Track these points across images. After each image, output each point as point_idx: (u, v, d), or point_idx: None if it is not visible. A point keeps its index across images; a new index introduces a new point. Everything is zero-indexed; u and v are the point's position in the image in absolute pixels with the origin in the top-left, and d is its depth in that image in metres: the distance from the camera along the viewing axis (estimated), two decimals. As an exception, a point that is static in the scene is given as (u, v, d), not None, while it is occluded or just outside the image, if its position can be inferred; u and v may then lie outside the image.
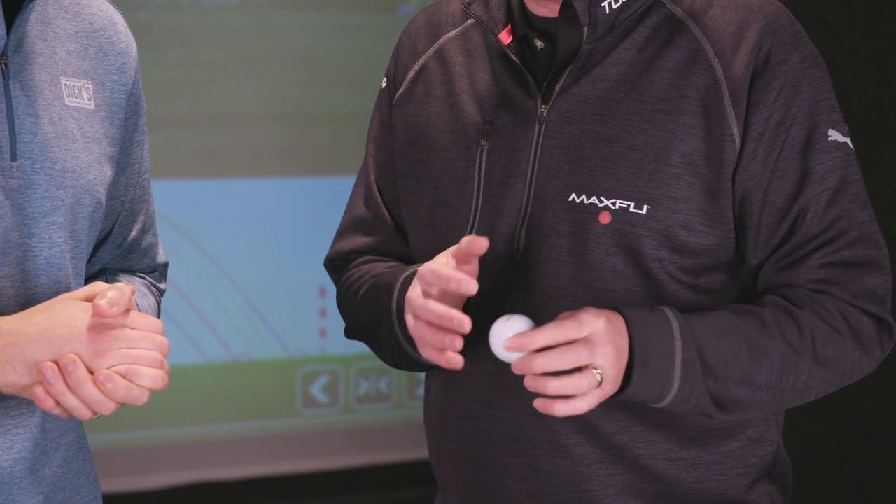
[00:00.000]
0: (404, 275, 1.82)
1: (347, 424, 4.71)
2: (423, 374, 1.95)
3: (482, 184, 1.83)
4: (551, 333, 1.64)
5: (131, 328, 1.63)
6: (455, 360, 1.69)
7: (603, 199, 1.77)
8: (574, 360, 1.64)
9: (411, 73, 1.94)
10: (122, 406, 1.63)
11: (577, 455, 1.80)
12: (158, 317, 1.88)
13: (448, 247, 1.83)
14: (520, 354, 1.64)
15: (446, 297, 1.72)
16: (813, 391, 1.78)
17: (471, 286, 1.67)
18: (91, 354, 1.60)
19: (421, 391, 4.73)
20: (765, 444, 1.87)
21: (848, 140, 1.81)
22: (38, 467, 1.73)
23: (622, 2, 1.80)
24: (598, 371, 1.65)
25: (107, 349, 1.61)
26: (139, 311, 1.77)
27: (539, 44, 1.83)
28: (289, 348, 4.60)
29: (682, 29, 1.80)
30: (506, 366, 1.80)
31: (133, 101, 1.85)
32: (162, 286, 1.96)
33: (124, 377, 1.60)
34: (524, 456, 1.82)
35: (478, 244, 1.68)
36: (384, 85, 1.99)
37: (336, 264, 2.00)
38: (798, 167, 1.78)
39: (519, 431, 1.81)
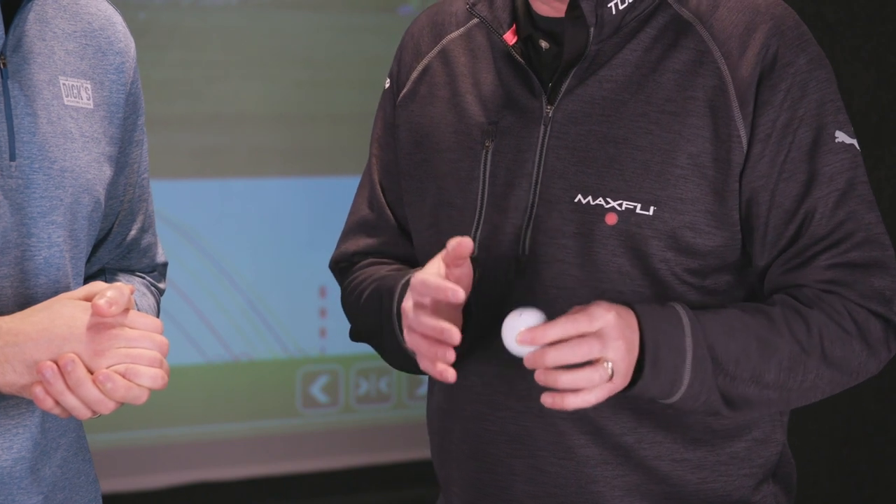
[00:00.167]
0: (403, 280, 1.82)
1: (347, 424, 4.71)
2: (424, 375, 1.95)
3: (487, 184, 1.83)
4: (563, 327, 1.63)
5: (130, 327, 1.63)
6: (447, 374, 1.69)
7: (609, 200, 1.77)
8: (586, 353, 1.63)
9: (415, 74, 1.94)
10: (122, 405, 1.63)
11: (583, 456, 1.80)
12: (158, 316, 1.88)
13: None
14: (532, 348, 1.64)
15: (441, 305, 1.71)
16: (819, 391, 1.78)
17: (457, 294, 1.66)
18: (90, 354, 1.60)
19: (421, 391, 4.73)
20: (770, 445, 1.87)
21: (854, 142, 1.81)
22: (37, 467, 1.73)
23: (629, 2, 1.80)
24: (610, 364, 1.65)
25: (106, 348, 1.60)
26: (138, 310, 1.77)
27: (544, 44, 1.83)
28: (289, 348, 4.60)
29: (689, 30, 1.80)
30: (511, 367, 1.80)
31: (132, 100, 1.85)
32: (161, 286, 1.96)
33: (124, 376, 1.60)
34: (529, 457, 1.82)
35: (463, 246, 1.67)
36: (387, 85, 1.98)
37: (341, 266, 2.00)
38: (805, 169, 1.78)
39: (524, 432, 1.81)
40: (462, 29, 1.92)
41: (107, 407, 1.61)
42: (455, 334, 1.66)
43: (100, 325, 1.61)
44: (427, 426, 1.97)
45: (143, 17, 4.34)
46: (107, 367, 1.60)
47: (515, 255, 1.80)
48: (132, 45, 1.87)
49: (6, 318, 1.63)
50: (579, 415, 1.79)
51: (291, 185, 4.59)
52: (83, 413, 1.61)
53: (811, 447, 3.86)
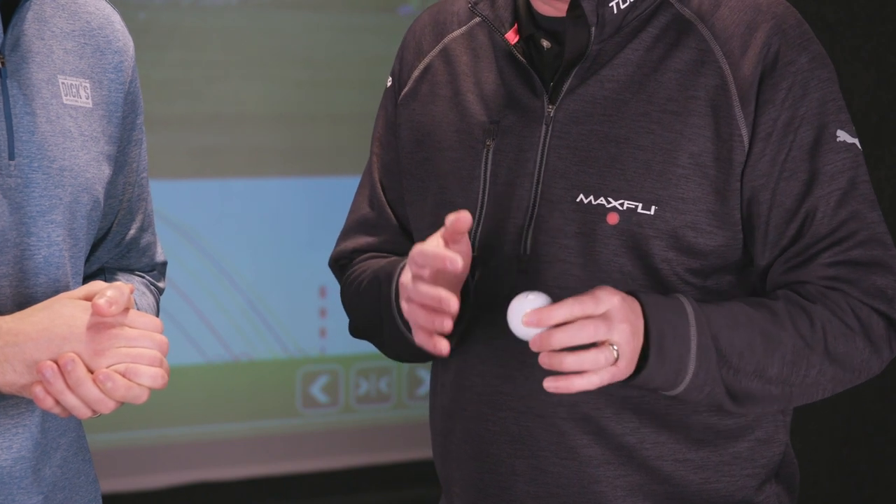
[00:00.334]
0: (402, 263, 1.82)
1: (347, 424, 4.70)
2: (425, 375, 1.95)
3: (488, 184, 1.83)
4: (569, 309, 1.63)
5: (130, 327, 1.62)
6: (441, 346, 1.69)
7: (611, 199, 1.77)
8: (591, 335, 1.63)
9: (416, 73, 1.94)
10: (122, 405, 1.63)
11: (586, 456, 1.80)
12: (157, 315, 1.88)
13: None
14: (537, 330, 1.64)
15: (441, 281, 1.71)
16: (821, 388, 1.78)
17: (455, 262, 1.65)
18: (90, 353, 1.60)
19: (421, 391, 4.73)
20: (773, 445, 1.86)
21: (856, 141, 1.81)
22: (37, 467, 1.73)
23: (630, 2, 1.80)
24: (615, 347, 1.65)
25: (106, 348, 1.60)
26: (138, 309, 1.77)
27: (546, 44, 1.83)
28: (289, 348, 4.60)
29: (690, 29, 1.80)
30: (512, 367, 1.80)
31: (130, 99, 1.85)
32: (161, 285, 1.96)
33: (124, 376, 1.60)
34: (532, 457, 1.81)
35: (462, 220, 1.67)
36: (389, 84, 1.99)
37: (340, 264, 2.00)
38: (807, 168, 1.78)
39: (526, 433, 1.81)
40: (464, 28, 1.93)
41: (107, 406, 1.60)
42: (453, 302, 1.66)
43: (100, 324, 1.61)
44: (430, 426, 1.96)
45: (143, 16, 4.34)
46: (107, 367, 1.60)
47: (517, 255, 1.80)
48: (131, 44, 1.86)
49: (6, 318, 1.63)
50: (581, 415, 1.79)
51: (291, 185, 4.59)
52: (83, 412, 1.61)
53: (811, 447, 3.86)
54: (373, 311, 1.87)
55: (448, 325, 1.68)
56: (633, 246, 1.76)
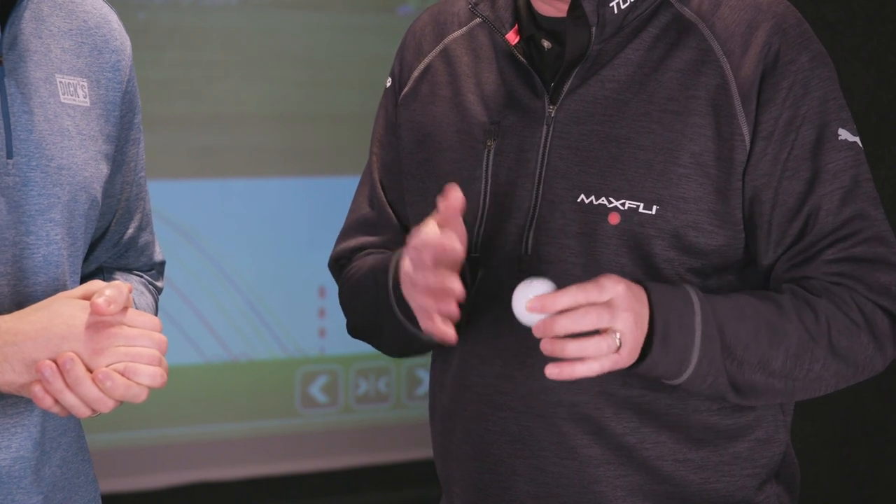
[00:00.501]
0: (397, 255, 1.82)
1: (346, 424, 4.71)
2: (424, 375, 1.95)
3: (489, 184, 1.83)
4: (573, 295, 1.63)
5: (129, 326, 1.62)
6: (448, 333, 1.69)
7: (612, 199, 1.77)
8: (595, 322, 1.63)
9: (416, 73, 1.94)
10: (121, 404, 1.63)
11: (586, 456, 1.80)
12: (156, 314, 1.88)
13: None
14: (541, 316, 1.63)
15: (439, 269, 1.71)
16: (824, 383, 1.78)
17: (456, 247, 1.66)
18: (89, 352, 1.60)
19: (420, 391, 4.73)
20: (773, 445, 1.86)
21: (857, 139, 1.81)
22: (37, 467, 1.73)
23: (630, 2, 1.80)
24: (618, 335, 1.65)
25: (105, 347, 1.60)
26: (137, 309, 1.77)
27: (546, 44, 1.83)
28: (288, 348, 4.60)
29: (691, 29, 1.80)
30: (513, 367, 1.80)
31: (128, 98, 1.85)
32: (159, 284, 1.96)
33: (123, 375, 1.60)
34: (532, 457, 1.81)
35: (453, 196, 1.67)
36: (388, 84, 1.98)
37: (340, 263, 2.00)
38: (809, 166, 1.78)
39: (526, 433, 1.81)
40: (464, 29, 1.93)
41: (106, 405, 1.60)
42: (457, 286, 1.67)
43: (98, 323, 1.61)
44: (430, 426, 1.96)
45: (143, 16, 4.34)
46: (106, 366, 1.60)
47: (518, 255, 1.80)
48: (128, 43, 1.86)
49: (4, 318, 1.63)
50: (581, 415, 1.79)
51: (291, 185, 4.59)
52: (82, 411, 1.61)
53: (811, 447, 3.86)
54: (370, 305, 1.87)
55: (455, 310, 1.68)
56: (634, 246, 1.76)
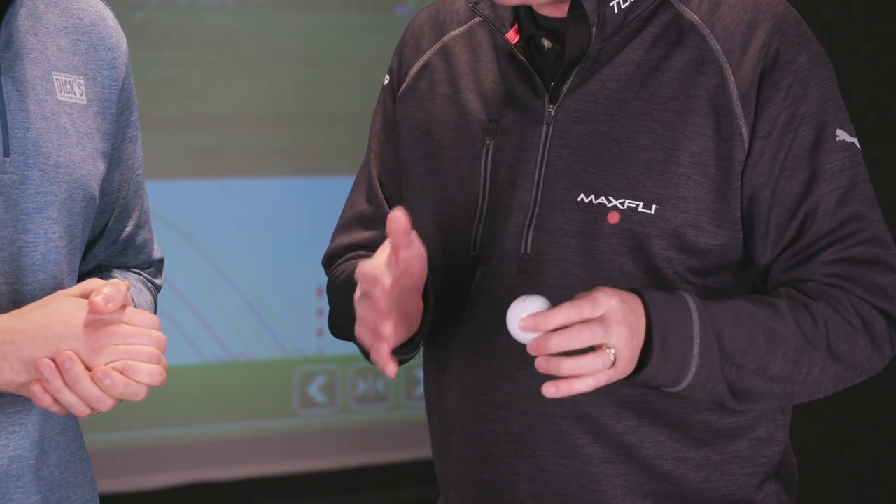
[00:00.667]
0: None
1: (345, 424, 4.71)
2: (421, 374, 1.95)
3: (488, 183, 1.83)
4: (566, 313, 1.63)
5: (128, 324, 1.62)
6: (388, 369, 1.69)
7: (612, 199, 1.77)
8: (589, 339, 1.63)
9: (414, 70, 1.94)
10: (120, 403, 1.63)
11: (586, 455, 1.80)
12: (155, 312, 1.88)
13: (453, 244, 1.83)
14: (535, 334, 1.64)
15: (402, 292, 1.71)
16: (823, 386, 1.78)
17: (383, 283, 1.65)
18: (88, 351, 1.60)
19: (419, 391, 4.73)
20: (773, 445, 1.86)
21: (855, 140, 1.82)
22: (35, 466, 1.72)
23: (630, 1, 1.80)
24: (613, 350, 1.65)
25: (104, 345, 1.60)
26: (135, 307, 1.77)
27: (546, 43, 1.83)
28: (286, 348, 4.60)
29: (691, 29, 1.80)
30: (513, 366, 1.80)
31: (125, 96, 1.85)
32: (158, 282, 1.95)
33: (122, 373, 1.60)
34: (532, 457, 1.81)
35: (395, 219, 1.65)
36: (386, 81, 1.98)
37: (333, 260, 2.00)
38: (807, 166, 1.78)
39: (526, 432, 1.81)
40: (463, 27, 1.93)
41: (105, 404, 1.60)
42: (386, 326, 1.66)
43: (97, 322, 1.61)
44: (428, 426, 1.96)
45: (140, 17, 4.34)
46: (105, 364, 1.60)
47: (517, 254, 1.80)
48: (123, 40, 1.86)
49: (3, 317, 1.63)
50: (581, 414, 1.79)
51: (290, 185, 4.59)
52: (82, 410, 1.60)
53: (812, 449, 3.86)
54: (344, 317, 1.86)
55: (384, 349, 1.68)
56: (633, 245, 1.76)
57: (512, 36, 1.85)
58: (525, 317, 1.64)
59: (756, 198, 1.78)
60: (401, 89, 1.94)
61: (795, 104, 1.78)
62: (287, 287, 4.56)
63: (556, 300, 1.70)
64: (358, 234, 1.97)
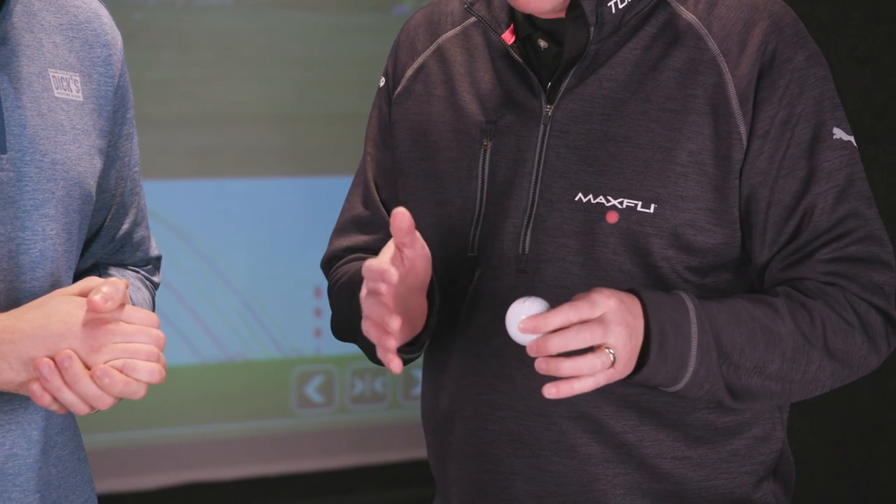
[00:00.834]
0: None
1: (342, 424, 4.70)
2: (420, 374, 1.95)
3: (486, 184, 1.83)
4: (566, 314, 1.64)
5: (126, 322, 1.62)
6: (393, 364, 1.69)
7: (610, 198, 1.77)
8: (588, 340, 1.64)
9: (410, 71, 1.94)
10: (119, 402, 1.63)
11: (585, 455, 1.80)
12: (153, 310, 1.88)
13: (451, 246, 1.83)
14: (535, 336, 1.64)
15: (405, 290, 1.71)
16: (820, 384, 1.79)
17: (390, 275, 1.65)
18: (87, 350, 1.60)
19: (416, 391, 4.73)
20: (770, 443, 1.87)
21: (852, 139, 1.82)
22: (33, 465, 1.72)
23: (628, 1, 1.81)
24: (611, 351, 1.65)
25: (102, 344, 1.60)
26: (133, 305, 1.77)
27: (543, 44, 1.83)
28: (284, 348, 4.60)
29: (688, 28, 1.80)
30: (512, 366, 1.80)
31: (120, 93, 1.84)
32: (156, 279, 1.95)
33: (121, 371, 1.60)
34: (531, 456, 1.82)
35: (399, 216, 1.66)
36: (382, 84, 1.98)
37: (332, 263, 2.00)
38: (805, 165, 1.78)
39: (526, 432, 1.81)
40: (458, 28, 1.93)
41: (105, 402, 1.60)
42: (394, 321, 1.66)
43: (96, 320, 1.61)
44: (423, 426, 1.96)
45: (138, 17, 4.34)
46: (104, 363, 1.60)
47: (515, 255, 1.80)
48: (119, 37, 1.86)
49: (1, 316, 1.63)
50: (581, 413, 1.79)
51: (287, 185, 4.59)
52: (81, 409, 1.60)
53: (808, 447, 3.86)
54: (348, 318, 1.87)
55: (391, 344, 1.68)
56: (632, 244, 1.77)
57: (508, 37, 1.85)
58: (524, 318, 1.64)
59: (754, 196, 1.78)
60: (396, 92, 1.94)
61: (793, 103, 1.78)
62: (284, 287, 4.56)
63: (554, 300, 1.70)
64: (355, 237, 1.97)
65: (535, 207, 1.80)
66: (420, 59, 1.93)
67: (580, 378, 1.64)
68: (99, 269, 1.87)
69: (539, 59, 1.84)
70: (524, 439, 1.81)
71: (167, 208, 4.36)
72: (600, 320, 1.65)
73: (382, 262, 1.67)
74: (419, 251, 1.71)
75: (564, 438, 1.80)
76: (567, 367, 1.63)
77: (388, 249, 1.71)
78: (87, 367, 1.60)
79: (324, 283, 2.02)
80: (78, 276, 1.81)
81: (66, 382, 1.59)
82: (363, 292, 1.72)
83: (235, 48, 4.48)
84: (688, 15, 1.81)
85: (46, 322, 1.60)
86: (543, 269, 1.79)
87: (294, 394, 4.63)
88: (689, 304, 1.72)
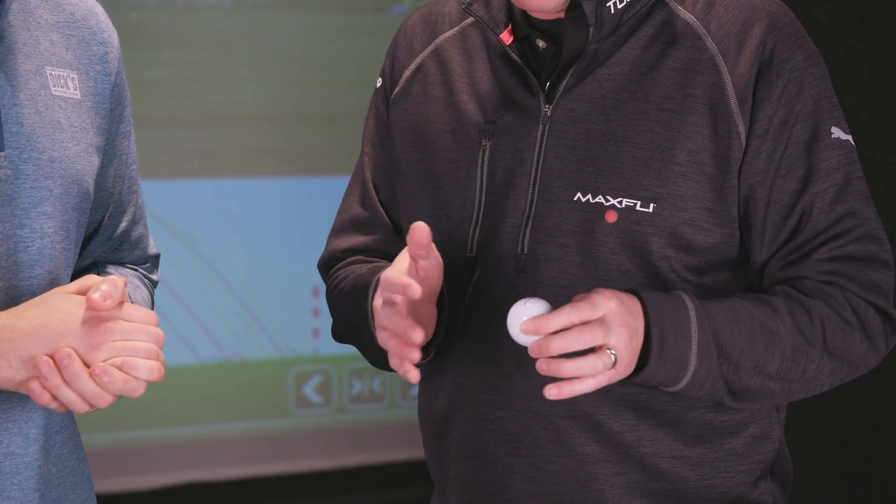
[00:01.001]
0: (377, 277, 1.81)
1: (340, 424, 4.70)
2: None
3: (485, 184, 1.83)
4: (567, 316, 1.64)
5: (125, 320, 1.62)
6: (410, 374, 1.69)
7: (609, 198, 1.77)
8: (589, 340, 1.64)
9: (408, 72, 1.94)
10: (119, 400, 1.63)
11: (583, 454, 1.80)
12: (152, 308, 1.88)
13: (450, 246, 1.83)
14: (536, 337, 1.65)
15: (418, 302, 1.72)
16: (819, 383, 1.79)
17: (413, 291, 1.66)
18: (86, 348, 1.60)
19: (414, 391, 4.73)
20: (768, 442, 1.87)
21: (850, 138, 1.82)
22: (31, 464, 1.72)
23: (627, 1, 1.81)
24: (613, 352, 1.65)
25: (102, 342, 1.60)
26: (132, 303, 1.77)
27: (541, 44, 1.83)
28: (281, 348, 4.60)
29: (686, 28, 1.81)
30: (511, 366, 1.80)
31: (118, 91, 1.84)
32: (154, 277, 1.95)
33: (120, 369, 1.60)
34: (529, 456, 1.82)
35: (418, 230, 1.67)
36: (379, 84, 1.98)
37: (330, 264, 2.00)
38: (803, 164, 1.79)
39: (524, 431, 1.81)
40: (456, 28, 1.93)
41: (104, 400, 1.60)
42: (417, 334, 1.67)
43: (95, 318, 1.61)
44: (420, 426, 1.96)
45: (136, 17, 4.34)
46: (103, 361, 1.60)
47: (514, 254, 1.80)
48: (115, 35, 1.86)
49: (0, 314, 1.63)
50: (579, 413, 1.80)
51: (285, 185, 4.59)
52: (81, 407, 1.60)
53: (806, 446, 3.86)
54: (352, 322, 1.87)
55: (414, 355, 1.68)
56: (631, 244, 1.77)
57: (506, 37, 1.85)
58: (526, 320, 1.65)
59: (753, 196, 1.79)
60: (394, 92, 1.94)
61: (791, 102, 1.78)
62: (282, 287, 4.56)
63: (553, 299, 1.71)
64: (354, 238, 1.97)
65: (533, 207, 1.80)
66: (418, 60, 1.93)
67: (581, 379, 1.65)
68: (97, 268, 1.87)
69: (537, 60, 1.84)
70: (522, 439, 1.82)
71: (165, 208, 4.36)
72: (601, 321, 1.65)
73: (403, 277, 1.68)
74: (434, 262, 1.71)
75: (563, 438, 1.80)
76: (568, 368, 1.64)
77: (403, 259, 1.72)
78: (87, 365, 1.60)
79: (322, 283, 2.02)
80: (76, 275, 1.81)
81: (65, 380, 1.59)
82: (377, 301, 1.72)
83: (233, 48, 4.48)
84: (686, 15, 1.82)
85: (45, 320, 1.60)
86: (542, 269, 1.79)
87: (292, 394, 4.63)
88: (689, 303, 1.73)
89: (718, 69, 1.78)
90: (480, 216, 1.83)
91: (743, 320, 1.74)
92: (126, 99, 1.86)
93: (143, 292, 1.88)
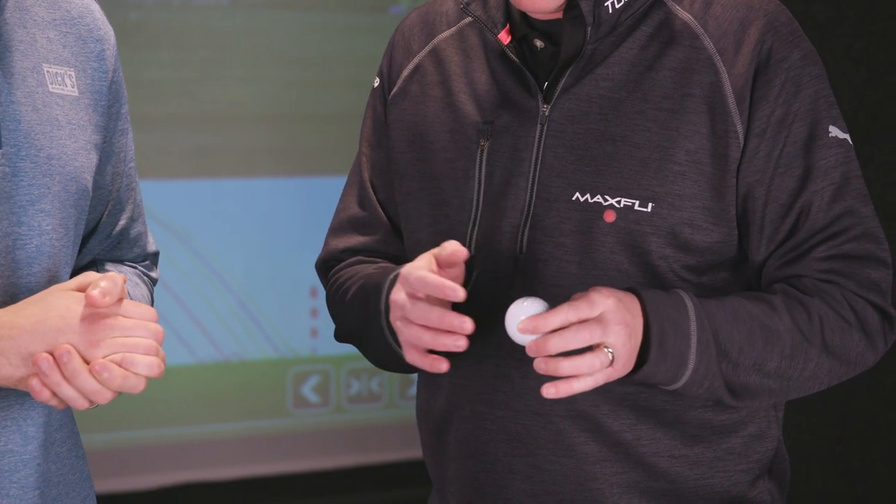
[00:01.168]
0: (392, 275, 1.82)
1: (339, 424, 4.70)
2: (415, 375, 1.95)
3: (483, 184, 1.83)
4: (564, 314, 1.64)
5: (125, 317, 1.62)
6: (440, 365, 1.70)
7: (608, 197, 1.77)
8: (587, 339, 1.64)
9: (405, 72, 1.94)
10: (118, 397, 1.63)
11: (583, 453, 1.80)
12: (151, 305, 1.88)
13: None
14: (534, 336, 1.65)
15: (432, 301, 1.72)
16: (818, 381, 1.79)
17: (459, 293, 1.67)
18: (86, 344, 1.60)
19: (413, 391, 4.73)
20: (766, 441, 1.87)
21: (847, 136, 1.83)
22: (30, 462, 1.72)
23: (624, 1, 1.81)
24: (610, 350, 1.66)
25: (101, 339, 1.60)
26: (132, 299, 1.77)
27: (539, 44, 1.84)
28: (280, 348, 4.60)
29: (684, 28, 1.81)
30: (509, 366, 1.80)
31: (115, 88, 1.84)
32: (153, 274, 1.95)
33: (120, 366, 1.60)
34: (528, 455, 1.82)
35: (460, 253, 1.70)
36: (376, 84, 1.98)
37: (329, 265, 1.99)
38: (801, 163, 1.79)
39: (523, 431, 1.81)
40: (453, 29, 1.93)
41: (104, 397, 1.60)
42: (468, 322, 1.68)
43: (94, 315, 1.61)
44: (418, 426, 1.96)
45: (134, 17, 4.34)
46: (103, 357, 1.60)
47: (513, 254, 1.81)
48: (111, 32, 1.86)
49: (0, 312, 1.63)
50: (578, 412, 1.80)
51: (283, 185, 4.59)
52: (80, 403, 1.61)
53: (805, 445, 3.86)
54: (360, 322, 1.87)
55: (463, 343, 1.70)
56: (630, 243, 1.77)
57: (504, 37, 1.85)
58: (524, 319, 1.65)
59: (751, 195, 1.79)
60: (392, 92, 1.94)
61: (789, 101, 1.79)
62: (280, 287, 4.56)
63: (552, 299, 1.71)
64: (352, 238, 1.97)
65: (532, 207, 1.80)
66: (416, 60, 1.93)
67: (579, 377, 1.65)
68: (96, 265, 1.87)
69: (535, 59, 1.84)
70: (522, 438, 1.82)
71: (163, 208, 4.36)
72: (599, 319, 1.65)
73: (445, 280, 1.69)
74: (457, 272, 1.73)
75: (562, 437, 1.80)
76: (566, 366, 1.64)
77: (424, 259, 1.73)
78: (86, 362, 1.60)
79: (320, 283, 2.02)
80: (76, 272, 1.81)
81: (65, 377, 1.59)
82: (397, 295, 1.73)
83: (232, 48, 4.48)
84: (684, 14, 1.82)
85: (45, 317, 1.61)
86: (541, 269, 1.79)
87: (290, 394, 4.63)
88: (688, 302, 1.73)
89: (716, 68, 1.78)
90: (479, 216, 1.83)
91: (742, 319, 1.74)
92: (123, 96, 1.86)
93: (143, 290, 1.88)
